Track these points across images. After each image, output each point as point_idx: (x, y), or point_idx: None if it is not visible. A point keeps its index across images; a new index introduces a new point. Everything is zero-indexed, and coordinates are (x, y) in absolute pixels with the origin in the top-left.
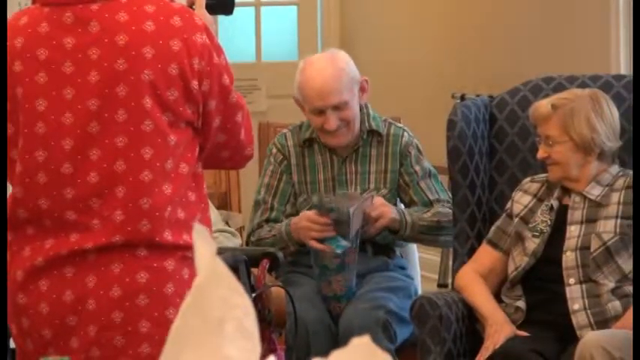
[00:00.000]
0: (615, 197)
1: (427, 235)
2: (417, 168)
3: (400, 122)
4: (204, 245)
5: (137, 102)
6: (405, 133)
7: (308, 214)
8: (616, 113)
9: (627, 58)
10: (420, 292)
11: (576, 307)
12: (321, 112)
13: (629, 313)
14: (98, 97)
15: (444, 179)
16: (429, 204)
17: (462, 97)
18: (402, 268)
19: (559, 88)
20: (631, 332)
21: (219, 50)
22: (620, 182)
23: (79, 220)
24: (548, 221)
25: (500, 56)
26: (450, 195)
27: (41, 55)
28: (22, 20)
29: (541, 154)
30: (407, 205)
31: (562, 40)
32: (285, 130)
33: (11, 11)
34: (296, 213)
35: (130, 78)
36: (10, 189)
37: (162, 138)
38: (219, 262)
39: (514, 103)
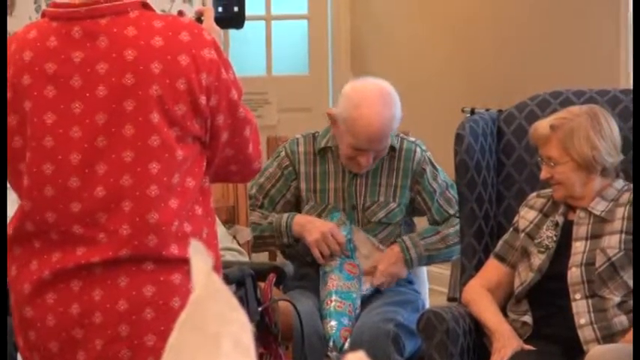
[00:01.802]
0: (620, 212)
1: (436, 259)
2: (435, 185)
3: (409, 135)
4: (201, 260)
5: (145, 117)
6: (418, 149)
7: (333, 228)
8: (615, 127)
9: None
10: (427, 305)
11: (582, 321)
12: (361, 149)
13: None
14: (106, 111)
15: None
16: (448, 219)
17: (472, 112)
18: (410, 282)
19: (566, 102)
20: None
21: (227, 65)
22: (625, 197)
23: (86, 234)
24: (554, 237)
25: (510, 70)
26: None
27: (50, 69)
28: (31, 34)
29: (544, 174)
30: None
31: (572, 54)
32: (298, 136)
33: (21, 25)
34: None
35: (137, 93)
36: (11, 198)
37: (169, 153)
38: (215, 278)
39: (522, 117)
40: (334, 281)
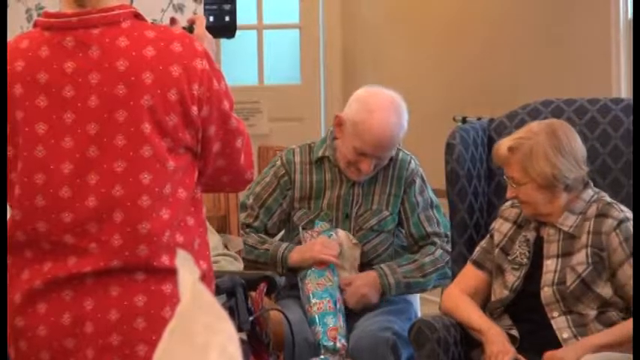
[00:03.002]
0: (586, 226)
1: (413, 288)
2: (420, 199)
3: (400, 145)
4: (188, 271)
5: (136, 127)
6: (412, 161)
7: (325, 241)
8: (576, 141)
9: (628, 82)
10: (419, 315)
11: (565, 335)
12: (365, 154)
13: (613, 329)
14: (97, 121)
15: (444, 203)
16: (425, 237)
17: (464, 120)
18: None
19: (557, 111)
20: (624, 350)
21: (219, 76)
22: (592, 209)
23: (77, 244)
24: (527, 253)
25: (502, 79)
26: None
27: (41, 78)
28: (22, 43)
29: (509, 194)
30: (405, 236)
31: (565, 63)
32: (294, 146)
33: (12, 34)
34: (288, 226)
35: (129, 103)
36: (9, 211)
37: (160, 163)
38: (202, 288)
39: (512, 126)
40: (308, 285)
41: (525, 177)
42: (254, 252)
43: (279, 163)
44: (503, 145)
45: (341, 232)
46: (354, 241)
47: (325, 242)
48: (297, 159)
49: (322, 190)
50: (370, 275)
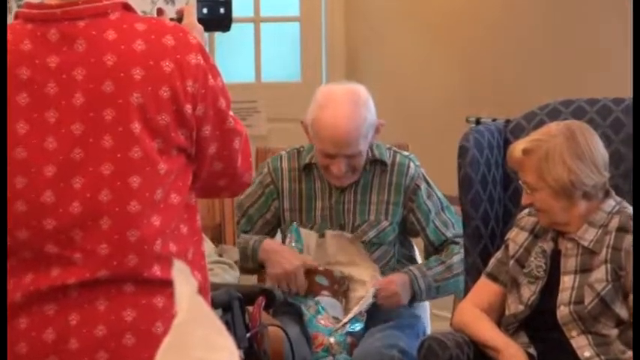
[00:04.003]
0: (607, 240)
1: (444, 290)
2: (430, 204)
3: (408, 149)
4: (185, 282)
5: (125, 127)
6: (411, 164)
7: (298, 270)
8: (596, 144)
9: None
10: (428, 331)
11: (587, 354)
12: (330, 155)
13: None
14: (83, 121)
15: (456, 210)
16: (445, 242)
17: (478, 122)
18: (410, 306)
19: (578, 112)
20: None
21: (214, 71)
22: (614, 222)
23: (61, 254)
24: (543, 266)
25: (519, 77)
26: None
27: (23, 74)
28: None
29: (524, 201)
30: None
31: (587, 59)
32: (282, 152)
33: None
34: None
35: (117, 101)
36: None
37: (151, 166)
38: (200, 300)
39: (530, 128)
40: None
41: (540, 182)
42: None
43: (265, 170)
44: (517, 147)
45: (328, 236)
46: (348, 235)
47: (290, 275)
48: (285, 165)
49: (313, 199)
50: (403, 277)
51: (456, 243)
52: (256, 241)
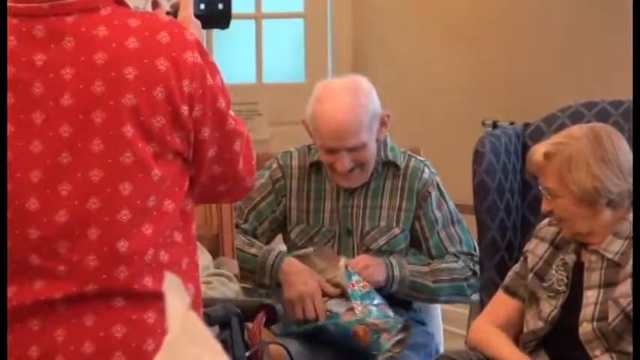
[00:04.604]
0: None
1: (419, 293)
2: (438, 214)
3: (420, 154)
4: (177, 297)
5: (116, 130)
6: (426, 169)
7: (316, 294)
8: (622, 149)
9: None
10: (442, 350)
11: None
12: (333, 150)
13: None
14: (71, 123)
15: (471, 220)
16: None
17: (494, 125)
18: (421, 323)
19: (602, 114)
20: None
21: (213, 69)
22: None
23: (44, 266)
24: (565, 279)
25: (538, 78)
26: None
27: (8, 73)
28: None
29: (544, 207)
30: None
31: (609, 60)
32: (291, 149)
33: None
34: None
35: (108, 102)
36: None
37: (144, 172)
38: (193, 316)
39: (550, 132)
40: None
41: (562, 188)
42: (240, 255)
43: (275, 165)
44: (538, 150)
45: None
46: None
47: (316, 298)
48: (295, 163)
49: (321, 201)
50: (377, 259)
51: (457, 256)
52: (278, 257)
